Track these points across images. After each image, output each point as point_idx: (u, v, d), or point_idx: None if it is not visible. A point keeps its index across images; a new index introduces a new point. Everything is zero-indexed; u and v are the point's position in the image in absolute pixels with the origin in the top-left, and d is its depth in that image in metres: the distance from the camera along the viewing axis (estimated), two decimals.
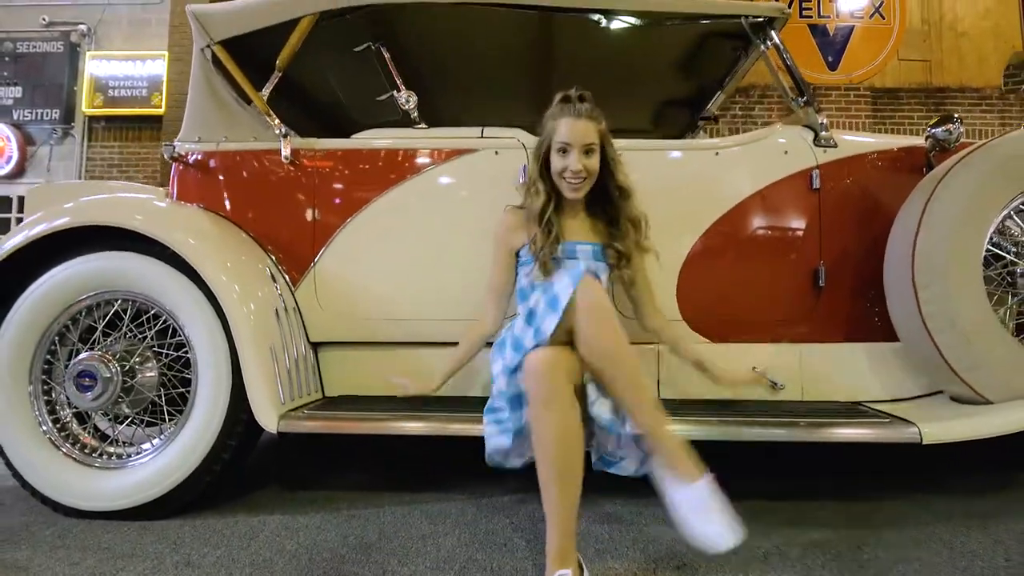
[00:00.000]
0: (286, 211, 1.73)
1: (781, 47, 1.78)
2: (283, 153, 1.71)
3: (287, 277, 1.70)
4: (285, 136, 1.71)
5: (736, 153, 1.72)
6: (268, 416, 1.44)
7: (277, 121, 1.73)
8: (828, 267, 1.63)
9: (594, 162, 1.40)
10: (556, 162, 1.39)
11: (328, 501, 1.58)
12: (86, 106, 7.12)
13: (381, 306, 1.69)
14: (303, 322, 1.68)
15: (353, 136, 1.77)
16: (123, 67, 7.16)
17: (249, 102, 1.81)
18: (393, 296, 1.70)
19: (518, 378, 1.13)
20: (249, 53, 1.79)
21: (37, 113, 7.29)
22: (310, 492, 1.66)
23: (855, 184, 1.69)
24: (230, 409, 1.46)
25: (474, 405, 1.46)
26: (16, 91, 7.36)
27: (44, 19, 7.39)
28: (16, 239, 1.53)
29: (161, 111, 6.86)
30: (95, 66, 7.14)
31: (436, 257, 1.69)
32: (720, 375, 1.46)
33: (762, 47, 1.81)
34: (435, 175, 1.72)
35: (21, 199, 7.20)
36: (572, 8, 1.76)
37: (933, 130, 1.67)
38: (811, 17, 6.14)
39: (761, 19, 1.77)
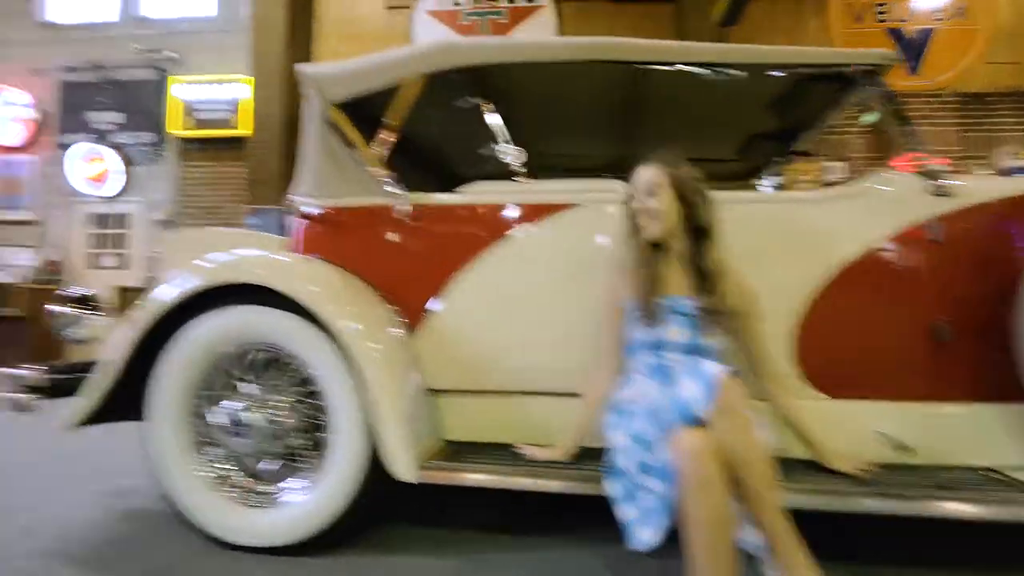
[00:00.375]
0: (402, 263, 1.82)
1: (891, 93, 1.73)
2: (398, 208, 1.80)
3: (406, 326, 1.79)
4: (401, 193, 1.80)
5: (847, 203, 1.68)
6: (405, 467, 1.51)
7: (394, 179, 1.82)
8: (952, 322, 1.58)
9: (657, 201, 1.43)
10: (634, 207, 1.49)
11: (456, 543, 1.66)
12: (176, 128, 7.58)
13: (495, 355, 1.76)
14: (422, 369, 1.77)
15: (460, 189, 1.84)
16: (207, 91, 7.57)
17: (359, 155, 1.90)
18: (506, 346, 1.76)
19: (655, 451, 1.15)
20: (359, 109, 1.89)
21: (134, 136, 7.81)
22: (439, 531, 1.75)
23: (977, 234, 1.62)
24: (372, 455, 1.56)
25: (594, 458, 1.51)
26: (119, 117, 7.89)
27: (136, 47, 7.89)
28: (163, 299, 1.67)
29: (242, 132, 7.21)
30: (181, 91, 7.58)
31: (546, 308, 1.74)
32: (826, 459, 1.44)
33: (870, 94, 1.76)
34: (543, 228, 1.77)
35: (122, 216, 7.77)
36: (676, 62, 1.77)
37: None
38: (886, 21, 5.84)
39: (868, 67, 1.73)
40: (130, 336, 1.67)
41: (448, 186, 1.91)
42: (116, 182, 7.69)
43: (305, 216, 1.91)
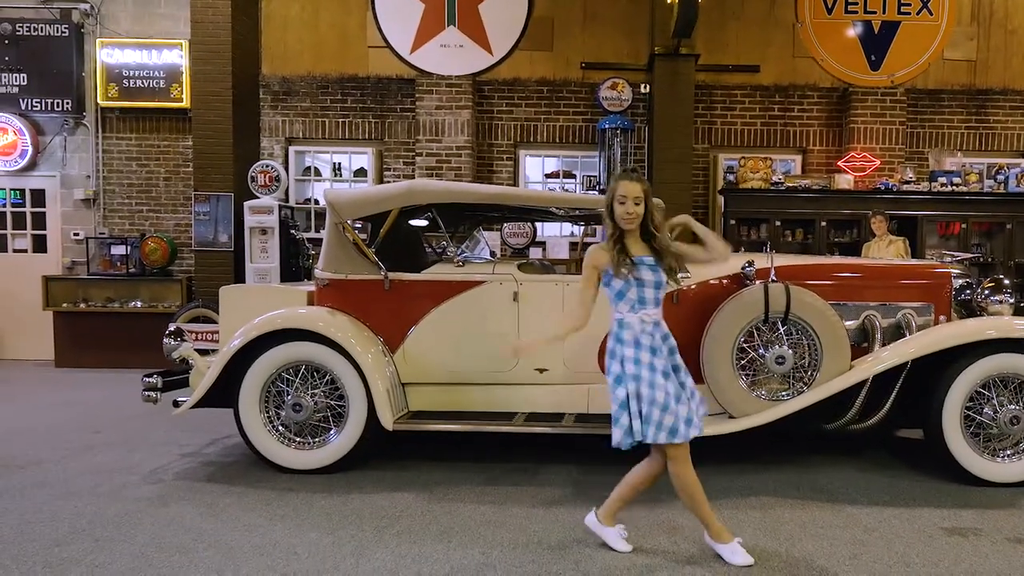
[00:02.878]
0: (385, 313, 4.68)
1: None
2: (384, 282, 4.65)
3: (388, 348, 4.66)
4: (386, 273, 4.65)
5: None
6: (387, 420, 4.41)
7: (380, 263, 4.67)
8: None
9: (640, 208, 3.31)
10: (617, 208, 3.55)
11: (413, 472, 4.58)
12: (101, 98, 10.12)
13: (438, 363, 4.65)
14: (397, 370, 4.64)
15: (423, 272, 4.70)
16: (136, 55, 10.12)
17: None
18: (444, 356, 4.64)
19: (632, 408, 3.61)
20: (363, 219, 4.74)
21: (46, 103, 10.27)
22: (400, 470, 4.67)
23: (699, 297, 4.51)
24: (368, 416, 4.45)
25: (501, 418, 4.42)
26: (20, 78, 10.33)
27: None
28: (236, 343, 4.51)
29: (184, 104, 9.85)
30: (106, 54, 10.09)
31: (466, 336, 4.61)
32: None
33: None
34: (467, 296, 4.63)
35: (35, 192, 10.40)
36: (534, 204, 4.61)
37: None
38: (856, 12, 8.56)
39: None
40: (223, 359, 4.52)
41: (416, 269, 4.74)
42: (28, 156, 10.10)
43: (323, 282, 4.75)
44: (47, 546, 3.46)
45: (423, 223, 5.55)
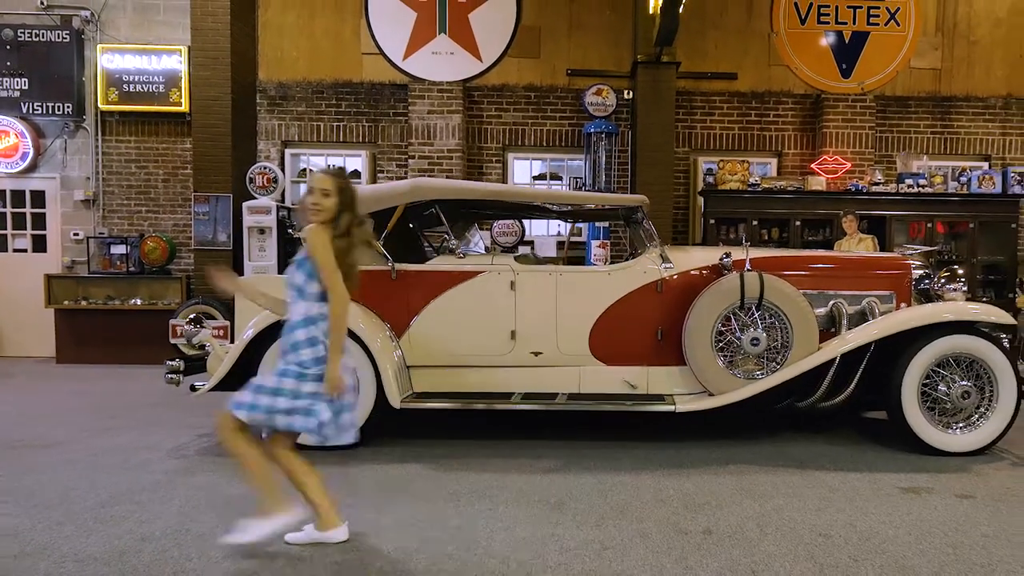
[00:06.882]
0: (392, 301, 5.07)
1: (644, 218, 5.02)
2: (391, 272, 5.04)
3: (394, 334, 5.05)
4: (393, 264, 5.04)
5: (623, 272, 4.97)
6: (394, 399, 4.80)
7: (387, 255, 5.06)
8: (664, 330, 4.91)
9: (327, 201, 3.18)
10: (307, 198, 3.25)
11: (422, 445, 4.97)
12: (101, 102, 10.42)
13: (441, 346, 5.04)
14: (403, 354, 5.03)
15: (427, 262, 5.10)
16: (136, 61, 10.45)
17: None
18: (446, 340, 5.04)
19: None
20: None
21: (47, 107, 10.58)
22: (407, 441, 5.05)
23: (680, 285, 4.95)
24: (377, 396, 4.84)
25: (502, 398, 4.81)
26: (22, 82, 10.64)
27: (41, 1, 10.64)
28: (253, 330, 4.88)
29: (182, 108, 10.19)
30: (107, 60, 10.41)
31: (468, 323, 5.02)
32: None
33: (635, 218, 5.04)
34: (468, 285, 5.03)
35: (34, 193, 10.69)
36: (535, 201, 5.02)
37: None
38: (828, 23, 9.08)
39: (633, 204, 5.00)
40: (241, 343, 4.89)
41: (420, 260, 5.13)
42: (29, 158, 10.40)
43: None
44: (93, 506, 3.82)
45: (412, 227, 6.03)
